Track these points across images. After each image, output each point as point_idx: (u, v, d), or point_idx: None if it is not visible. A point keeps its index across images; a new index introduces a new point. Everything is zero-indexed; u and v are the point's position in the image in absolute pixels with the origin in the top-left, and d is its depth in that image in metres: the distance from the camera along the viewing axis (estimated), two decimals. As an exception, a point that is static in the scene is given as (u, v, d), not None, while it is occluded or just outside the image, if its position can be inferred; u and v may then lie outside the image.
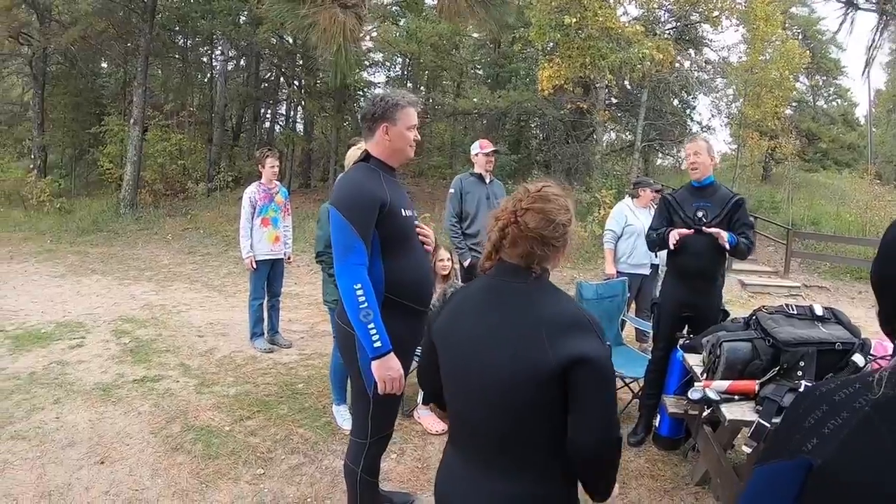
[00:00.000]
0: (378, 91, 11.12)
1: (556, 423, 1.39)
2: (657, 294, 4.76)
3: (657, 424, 3.87)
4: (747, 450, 2.56)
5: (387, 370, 2.31)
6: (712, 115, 32.99)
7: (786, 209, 15.59)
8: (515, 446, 1.43)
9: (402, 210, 2.46)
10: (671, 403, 3.61)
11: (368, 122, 2.47)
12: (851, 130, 28.90)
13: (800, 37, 22.38)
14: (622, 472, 3.65)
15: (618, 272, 5.64)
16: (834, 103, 28.94)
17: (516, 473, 1.44)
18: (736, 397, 2.76)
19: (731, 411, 2.65)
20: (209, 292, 8.89)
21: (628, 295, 5.11)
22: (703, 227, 3.59)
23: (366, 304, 2.26)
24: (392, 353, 2.32)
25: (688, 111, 20.49)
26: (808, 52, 16.00)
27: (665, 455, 3.86)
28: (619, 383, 4.32)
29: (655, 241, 3.85)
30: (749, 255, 3.76)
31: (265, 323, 6.00)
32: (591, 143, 18.07)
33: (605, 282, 5.03)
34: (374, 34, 17.45)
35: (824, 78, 27.45)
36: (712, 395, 2.69)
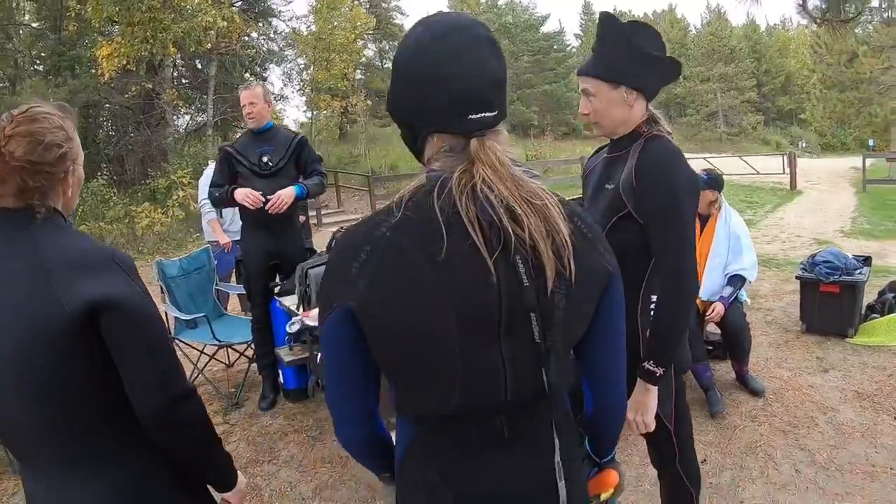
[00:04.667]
0: None
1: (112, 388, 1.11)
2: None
3: (282, 381, 3.67)
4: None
5: None
6: (284, 85, 33.81)
7: (364, 161, 16.84)
8: (75, 440, 1.12)
9: None
10: (285, 353, 3.32)
11: None
12: None
13: (367, 4, 24.21)
14: (265, 435, 3.17)
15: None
16: None
17: (95, 471, 1.13)
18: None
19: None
20: None
21: (216, 262, 4.54)
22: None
23: None
24: None
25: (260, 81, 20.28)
26: (373, 17, 17.28)
27: (302, 406, 3.63)
28: (233, 354, 3.83)
29: (219, 199, 3.46)
30: (324, 190, 3.61)
31: None
32: (163, 126, 16.52)
33: (186, 255, 4.38)
34: None
35: (391, 42, 30.83)
36: (311, 323, 2.37)
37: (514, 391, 0.91)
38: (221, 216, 5.08)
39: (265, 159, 3.40)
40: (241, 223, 5.13)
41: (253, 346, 3.74)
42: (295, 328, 2.32)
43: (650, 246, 1.65)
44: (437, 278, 0.84)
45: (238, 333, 3.89)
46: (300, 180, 3.52)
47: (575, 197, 3.91)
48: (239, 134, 3.73)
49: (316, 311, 2.48)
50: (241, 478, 1.35)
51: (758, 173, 17.43)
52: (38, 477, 1.16)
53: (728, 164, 19.48)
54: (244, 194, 3.26)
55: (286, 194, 3.30)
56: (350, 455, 1.13)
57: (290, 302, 2.90)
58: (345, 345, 0.91)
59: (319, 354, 3.12)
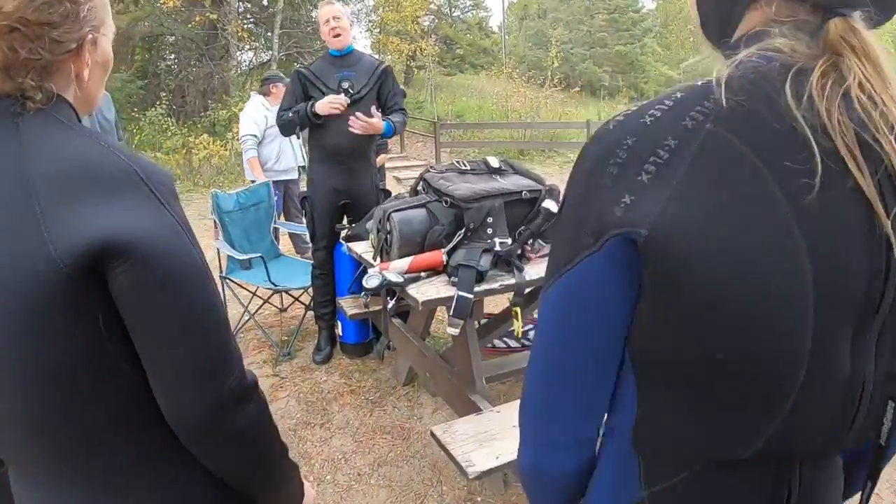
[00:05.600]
0: None
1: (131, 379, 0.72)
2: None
3: (340, 332, 3.33)
4: (454, 331, 1.96)
5: None
6: (352, 24, 33.38)
7: (430, 108, 16.34)
8: (84, 448, 0.72)
9: None
10: (348, 304, 2.99)
11: None
12: (486, 37, 32.34)
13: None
14: (318, 394, 2.87)
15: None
16: (469, 14, 32.01)
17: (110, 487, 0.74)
18: (423, 274, 2.10)
19: (421, 291, 1.97)
20: None
21: (276, 197, 4.19)
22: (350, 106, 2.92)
23: None
24: None
25: None
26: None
27: (360, 363, 3.30)
28: (287, 298, 3.46)
29: (293, 121, 3.02)
30: (403, 129, 3.18)
31: None
32: (226, 60, 16.21)
33: (245, 189, 4.02)
34: None
35: None
36: (393, 278, 1.98)
37: (860, 428, 0.57)
38: (260, 154, 4.72)
39: (346, 85, 2.98)
40: (287, 161, 4.91)
41: (311, 292, 3.42)
42: (373, 283, 1.93)
43: None
44: (794, 215, 0.49)
45: (296, 278, 3.54)
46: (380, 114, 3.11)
47: None
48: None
49: (399, 262, 2.09)
50: (308, 493, 0.98)
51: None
52: (36, 488, 0.77)
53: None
54: (328, 103, 2.88)
55: (376, 123, 2.91)
56: (531, 492, 0.73)
57: (362, 249, 2.52)
58: (603, 307, 0.57)
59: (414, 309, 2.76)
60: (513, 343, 3.22)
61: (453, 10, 31.04)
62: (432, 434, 1.86)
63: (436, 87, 18.80)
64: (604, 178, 0.55)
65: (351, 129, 2.86)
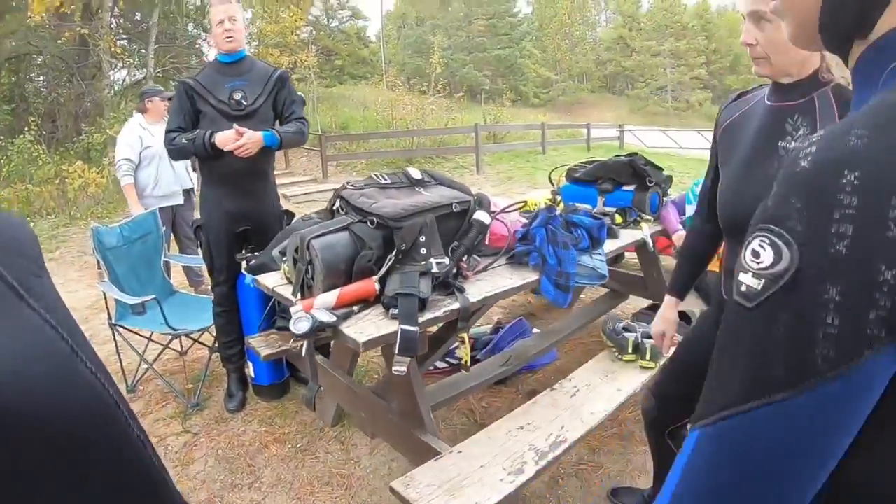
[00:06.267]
0: None
1: None
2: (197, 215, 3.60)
3: (252, 374, 3.01)
4: (401, 370, 1.72)
5: None
6: (247, 26, 32.97)
7: (313, 119, 15.90)
8: None
9: None
10: (260, 344, 2.64)
11: None
12: (365, 47, 32.55)
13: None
14: (239, 448, 2.52)
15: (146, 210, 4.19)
16: (348, 24, 32.01)
17: None
18: (355, 308, 1.86)
19: (359, 330, 1.73)
20: None
21: (164, 229, 3.77)
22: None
23: None
24: None
25: (203, 35, 18.85)
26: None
27: (279, 406, 2.98)
28: (186, 340, 3.08)
29: (186, 149, 2.67)
30: (304, 141, 2.91)
31: None
32: (99, 79, 14.91)
33: (128, 220, 3.57)
34: None
35: (338, 1, 29.92)
36: (325, 318, 1.72)
37: None
38: (137, 179, 4.25)
39: (238, 97, 2.68)
40: (168, 185, 4.42)
41: (214, 331, 3.06)
42: (304, 327, 1.67)
43: None
44: None
45: (196, 318, 3.15)
46: (276, 126, 2.82)
47: (581, 162, 3.41)
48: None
49: (326, 296, 1.84)
50: None
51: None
52: None
53: (686, 138, 19.56)
54: (232, 139, 2.56)
55: (253, 139, 2.59)
56: None
57: (273, 282, 2.23)
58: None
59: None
60: (452, 360, 3.05)
61: (331, 20, 30.70)
62: (392, 490, 1.63)
63: (317, 100, 18.36)
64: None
65: (237, 153, 2.57)
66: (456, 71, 32.82)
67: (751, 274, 0.47)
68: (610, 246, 2.59)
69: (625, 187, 3.10)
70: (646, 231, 2.90)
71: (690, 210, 3.17)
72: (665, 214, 3.09)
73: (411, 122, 15.92)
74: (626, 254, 3.65)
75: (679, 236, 3.04)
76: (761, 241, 0.47)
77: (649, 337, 2.43)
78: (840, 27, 0.56)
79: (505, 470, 1.70)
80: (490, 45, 35.60)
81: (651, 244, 2.96)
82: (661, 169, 3.16)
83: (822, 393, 0.43)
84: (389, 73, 21.72)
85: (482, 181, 11.40)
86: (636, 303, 3.78)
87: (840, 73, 1.31)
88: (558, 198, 3.13)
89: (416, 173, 2.39)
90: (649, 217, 3.05)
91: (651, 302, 3.39)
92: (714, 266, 1.94)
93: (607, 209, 3.03)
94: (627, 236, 2.81)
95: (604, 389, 2.23)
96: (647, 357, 2.41)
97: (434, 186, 2.38)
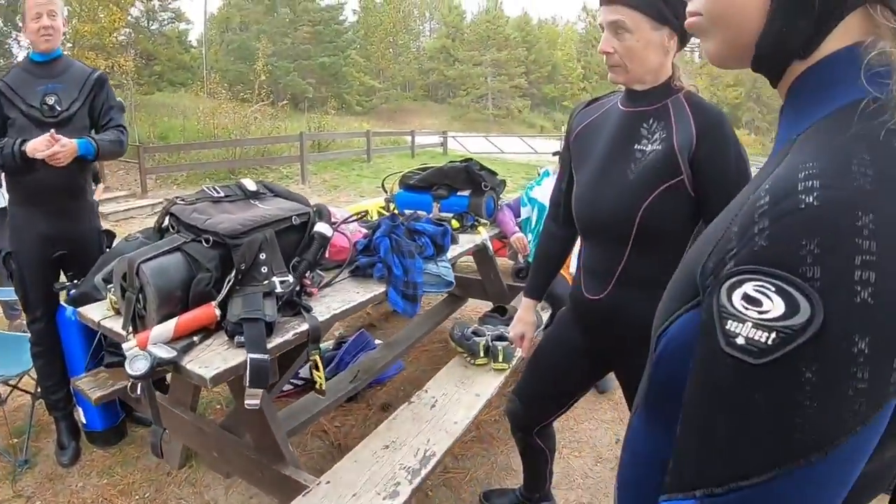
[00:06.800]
0: None
1: None
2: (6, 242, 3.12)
3: (83, 420, 2.63)
4: (254, 403, 1.60)
5: None
6: (66, 22, 29.36)
7: (131, 129, 14.56)
8: None
9: None
10: (89, 385, 2.35)
11: None
12: (186, 52, 30.53)
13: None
14: None
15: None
16: (169, 26, 29.63)
17: None
18: (195, 339, 1.70)
19: (204, 364, 1.58)
20: None
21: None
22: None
23: None
24: None
25: (14, 33, 16.49)
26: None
27: (117, 452, 2.63)
28: (4, 388, 2.67)
29: None
30: (123, 151, 2.62)
31: None
32: None
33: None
34: None
35: (160, 2, 27.69)
36: (165, 354, 1.55)
37: None
38: None
39: (51, 101, 2.37)
40: None
41: (34, 374, 2.64)
42: (142, 366, 1.48)
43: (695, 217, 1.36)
44: None
45: (14, 360, 2.67)
46: (92, 134, 2.52)
47: (415, 168, 3.45)
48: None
49: (161, 327, 1.65)
50: None
51: (536, 152, 18.75)
52: None
53: (508, 143, 20.74)
54: (43, 146, 2.24)
55: (67, 147, 2.30)
56: None
57: (99, 315, 1.97)
58: None
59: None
60: (297, 381, 2.91)
61: (152, 22, 28.33)
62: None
63: (135, 108, 16.86)
64: None
65: (50, 162, 2.26)
66: (280, 78, 31.92)
67: (750, 325, 0.42)
68: (452, 252, 2.63)
69: (460, 193, 3.18)
70: (484, 235, 3.00)
71: (525, 212, 3.33)
72: (501, 217, 3.21)
73: (234, 131, 15.31)
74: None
75: (517, 238, 3.19)
76: (758, 286, 0.42)
77: (499, 339, 2.52)
78: (786, 49, 0.56)
79: (380, 495, 1.66)
80: (315, 53, 35.04)
81: (490, 247, 3.07)
82: (495, 174, 3.28)
83: (847, 447, 0.41)
84: (211, 79, 20.47)
85: (308, 191, 11.11)
86: (475, 305, 3.90)
87: (689, 80, 1.45)
88: (392, 205, 3.15)
89: (251, 185, 2.26)
90: (486, 221, 3.16)
91: (493, 304, 3.51)
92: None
93: (444, 215, 3.08)
94: (467, 241, 2.87)
95: (462, 397, 2.26)
96: (500, 359, 2.48)
97: (271, 199, 2.26)
